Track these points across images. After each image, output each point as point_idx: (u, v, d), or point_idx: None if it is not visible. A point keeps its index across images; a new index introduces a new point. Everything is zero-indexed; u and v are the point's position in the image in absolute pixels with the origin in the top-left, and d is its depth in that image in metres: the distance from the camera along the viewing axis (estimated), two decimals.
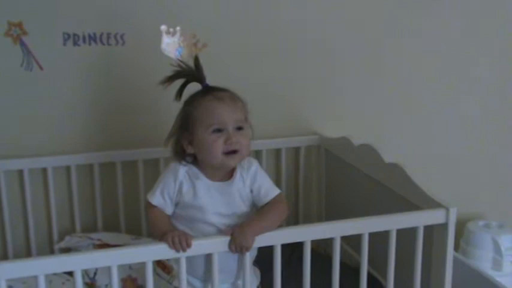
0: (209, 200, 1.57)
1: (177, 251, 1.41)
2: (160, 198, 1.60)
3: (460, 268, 1.83)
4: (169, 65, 1.63)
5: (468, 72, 2.60)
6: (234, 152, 1.55)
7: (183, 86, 1.64)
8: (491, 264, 2.39)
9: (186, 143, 1.59)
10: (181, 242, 1.41)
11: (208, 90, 1.60)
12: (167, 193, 1.60)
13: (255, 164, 1.64)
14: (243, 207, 1.60)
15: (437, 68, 2.55)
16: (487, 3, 2.56)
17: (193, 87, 1.65)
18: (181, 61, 1.65)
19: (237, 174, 1.61)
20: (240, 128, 1.56)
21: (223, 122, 1.54)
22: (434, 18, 2.49)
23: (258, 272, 1.73)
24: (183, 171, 1.60)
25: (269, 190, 1.62)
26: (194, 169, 1.60)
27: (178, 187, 1.59)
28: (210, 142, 1.53)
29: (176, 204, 1.61)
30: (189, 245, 1.42)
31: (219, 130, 1.54)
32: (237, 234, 1.45)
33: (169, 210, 1.61)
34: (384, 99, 2.50)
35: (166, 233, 1.44)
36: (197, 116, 1.56)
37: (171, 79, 1.61)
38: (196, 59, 1.64)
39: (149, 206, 1.61)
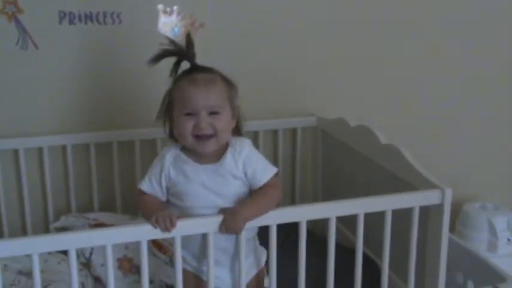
0: (200, 184, 1.53)
1: (162, 231, 1.40)
2: (150, 185, 1.58)
3: (455, 249, 1.83)
4: (160, 44, 1.58)
5: (464, 55, 2.59)
6: (208, 136, 1.50)
7: (175, 65, 1.59)
8: (486, 245, 2.40)
9: (170, 121, 1.58)
10: (165, 222, 1.39)
11: (191, 71, 1.56)
12: (155, 180, 1.57)
13: (247, 146, 1.58)
14: (237, 187, 1.55)
15: (434, 51, 2.54)
16: None
17: None
18: (171, 39, 1.61)
19: (228, 155, 1.54)
20: (214, 113, 1.51)
21: (193, 106, 1.49)
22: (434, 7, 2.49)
23: (264, 253, 1.68)
24: (170, 157, 1.57)
25: (264, 172, 1.56)
26: (182, 154, 1.57)
27: (166, 173, 1.56)
28: (181, 124, 1.51)
29: (169, 192, 1.58)
30: (173, 225, 1.40)
31: (190, 114, 1.50)
32: (228, 217, 1.44)
33: (161, 196, 1.59)
34: (381, 81, 2.49)
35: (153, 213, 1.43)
36: (175, 96, 1.54)
37: (157, 58, 1.56)
38: (188, 36, 1.59)
39: (140, 193, 1.59)
